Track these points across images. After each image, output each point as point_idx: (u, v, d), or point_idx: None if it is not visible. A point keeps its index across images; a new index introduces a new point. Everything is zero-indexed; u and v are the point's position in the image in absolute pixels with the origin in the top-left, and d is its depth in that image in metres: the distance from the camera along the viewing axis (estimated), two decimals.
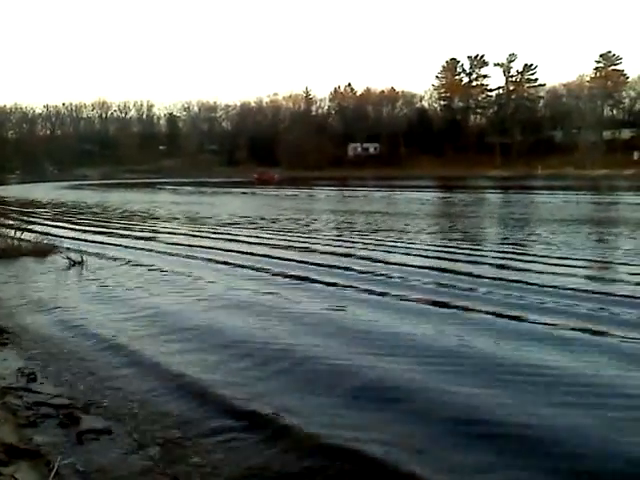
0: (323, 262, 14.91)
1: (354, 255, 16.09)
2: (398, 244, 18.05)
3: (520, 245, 17.74)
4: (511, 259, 15.04)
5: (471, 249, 17.04)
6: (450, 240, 19.11)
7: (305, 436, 5.38)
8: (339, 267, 14.18)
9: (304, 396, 6.35)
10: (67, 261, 14.97)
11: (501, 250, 16.78)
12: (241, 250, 17.32)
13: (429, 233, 21.50)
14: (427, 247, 17.58)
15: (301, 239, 19.88)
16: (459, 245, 17.84)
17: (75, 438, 5.36)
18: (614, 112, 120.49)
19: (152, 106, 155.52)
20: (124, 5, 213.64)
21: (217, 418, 5.82)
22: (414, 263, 14.38)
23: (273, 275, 13.38)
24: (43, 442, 5.27)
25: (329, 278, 12.72)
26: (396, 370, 7.02)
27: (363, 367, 7.13)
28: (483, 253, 16.36)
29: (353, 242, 19.06)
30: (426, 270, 13.53)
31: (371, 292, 11.26)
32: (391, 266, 13.99)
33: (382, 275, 12.96)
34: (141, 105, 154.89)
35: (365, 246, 17.86)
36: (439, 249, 17.29)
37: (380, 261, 14.87)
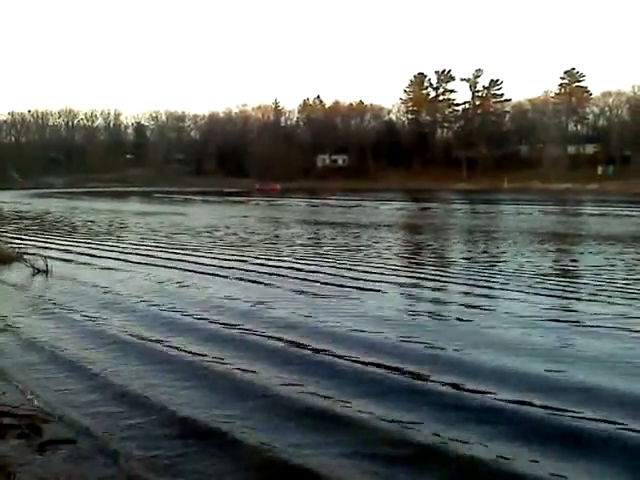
0: None
1: None
2: None
3: None
4: None
5: None
6: None
7: None
8: None
9: None
10: (31, 269, 14.77)
11: None
12: None
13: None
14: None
15: None
16: None
17: (37, 448, 5.28)
18: (578, 127, 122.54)
19: (119, 115, 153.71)
20: (92, 14, 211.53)
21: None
22: None
23: None
24: (4, 452, 5.20)
25: None
26: None
27: None
28: None
29: None
30: None
31: None
32: None
33: None
34: (108, 114, 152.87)
35: None
36: None
37: None
